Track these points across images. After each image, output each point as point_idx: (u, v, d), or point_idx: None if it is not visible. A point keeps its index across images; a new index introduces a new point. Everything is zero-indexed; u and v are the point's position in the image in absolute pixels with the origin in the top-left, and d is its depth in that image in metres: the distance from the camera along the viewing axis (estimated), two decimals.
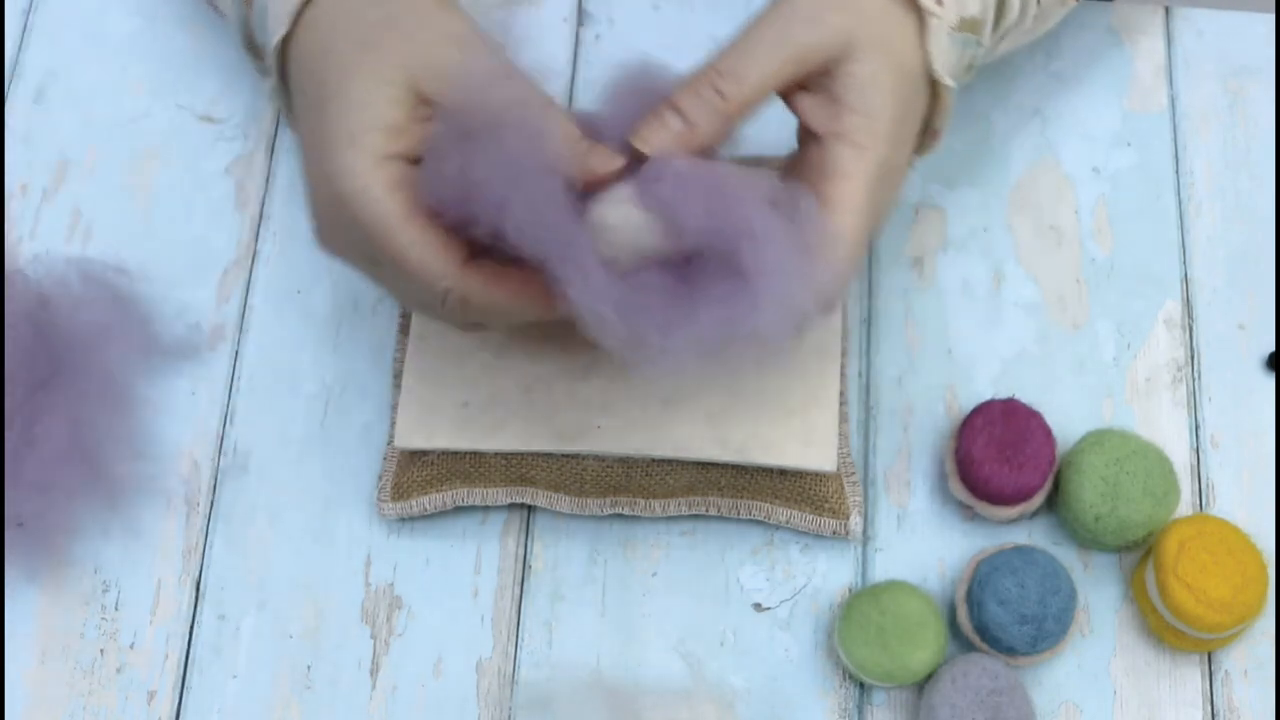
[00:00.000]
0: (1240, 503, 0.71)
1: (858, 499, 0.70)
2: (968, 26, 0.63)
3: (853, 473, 0.70)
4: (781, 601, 0.69)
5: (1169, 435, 0.72)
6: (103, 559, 0.71)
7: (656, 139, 0.57)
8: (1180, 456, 0.72)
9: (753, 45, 0.59)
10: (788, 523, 0.69)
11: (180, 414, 0.73)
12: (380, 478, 0.71)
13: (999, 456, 0.67)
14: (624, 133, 0.58)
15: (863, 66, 0.59)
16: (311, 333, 0.75)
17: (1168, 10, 0.82)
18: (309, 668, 0.69)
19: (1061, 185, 0.78)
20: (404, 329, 0.73)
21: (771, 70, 0.58)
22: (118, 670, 0.69)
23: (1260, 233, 0.77)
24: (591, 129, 0.59)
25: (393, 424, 0.71)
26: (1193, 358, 0.74)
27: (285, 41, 0.62)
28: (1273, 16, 0.81)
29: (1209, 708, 0.68)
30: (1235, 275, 0.76)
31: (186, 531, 0.71)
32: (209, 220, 0.78)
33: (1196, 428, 0.73)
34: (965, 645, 0.68)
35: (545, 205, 0.56)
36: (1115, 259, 0.76)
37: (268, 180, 0.79)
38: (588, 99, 0.80)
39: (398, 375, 0.72)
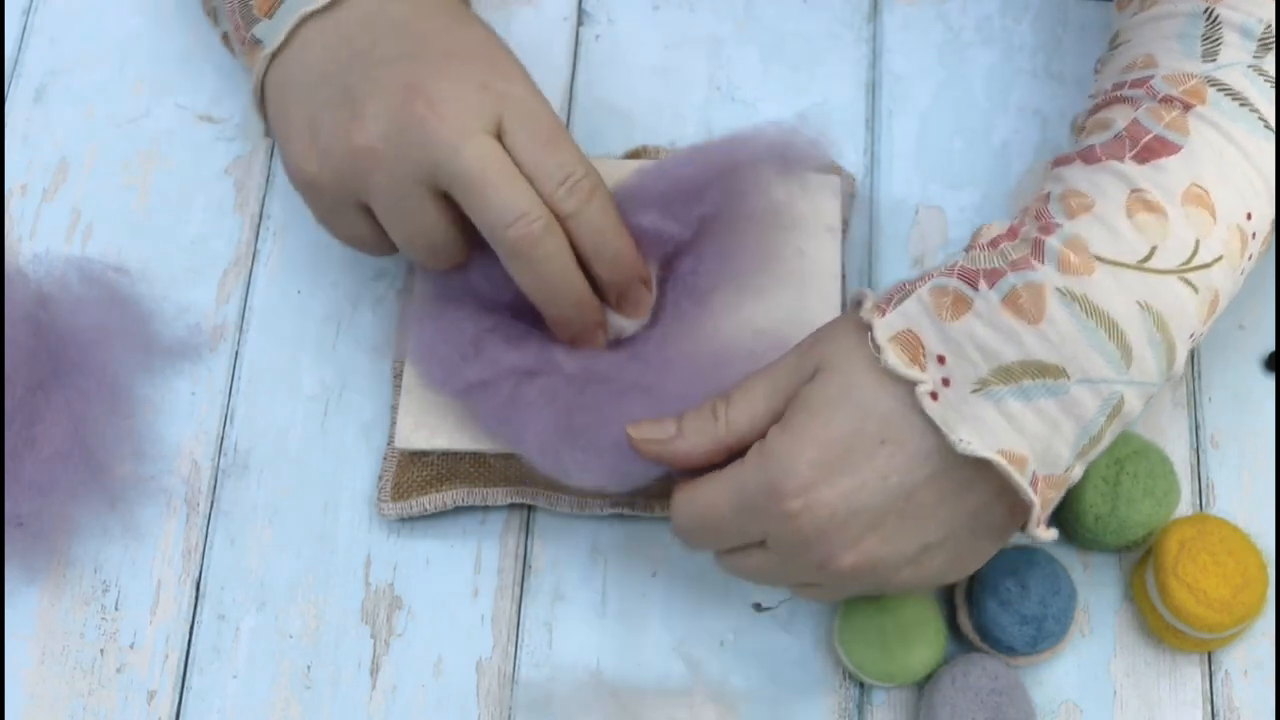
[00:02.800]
0: (1240, 503, 0.71)
1: None
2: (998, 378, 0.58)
3: None
4: (781, 602, 0.69)
5: (1169, 435, 0.72)
6: (103, 559, 0.70)
7: (644, 437, 0.62)
8: (1180, 456, 0.72)
9: (753, 385, 0.61)
10: None
11: (180, 414, 0.73)
12: (380, 478, 0.71)
13: None
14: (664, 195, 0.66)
15: (811, 385, 0.60)
16: (311, 333, 0.75)
17: None
18: (309, 668, 0.69)
19: None
20: (404, 329, 0.73)
21: (761, 408, 0.60)
22: (118, 670, 0.69)
23: None
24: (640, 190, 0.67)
25: (393, 424, 0.71)
26: (1193, 358, 0.74)
27: None
28: None
29: (1209, 708, 0.68)
30: None
31: (186, 531, 0.71)
32: (209, 220, 0.78)
33: (1196, 428, 0.73)
34: (965, 645, 0.68)
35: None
36: None
37: (268, 180, 0.79)
38: (588, 99, 0.80)
39: (398, 375, 0.72)
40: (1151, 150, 0.59)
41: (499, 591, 0.70)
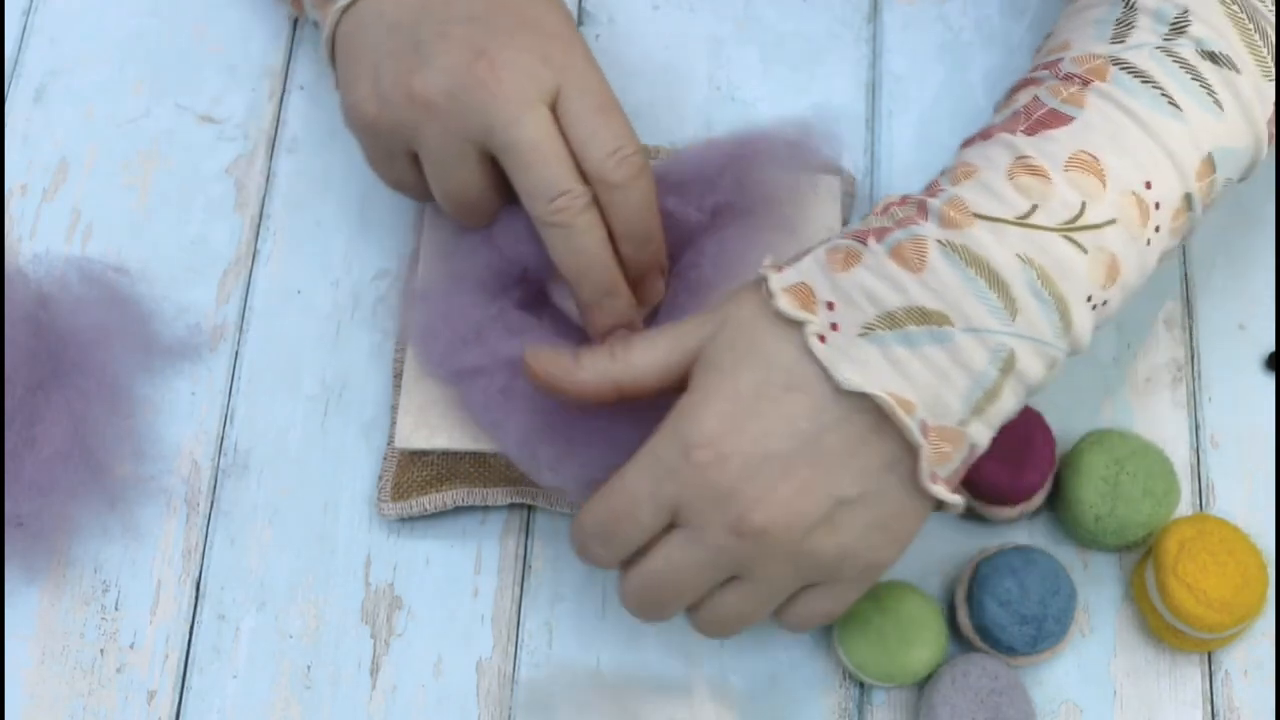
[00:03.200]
0: (1240, 503, 0.71)
1: None
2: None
3: None
4: None
5: (1169, 435, 0.72)
6: (103, 559, 0.71)
7: (542, 367, 0.62)
8: (1180, 456, 0.72)
9: (657, 336, 0.62)
10: None
11: (180, 414, 0.73)
12: (380, 478, 0.71)
13: (999, 456, 0.67)
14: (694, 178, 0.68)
15: (714, 342, 0.60)
16: (311, 333, 0.75)
17: None
18: (309, 668, 0.69)
19: None
20: (407, 312, 0.73)
21: (661, 357, 0.61)
22: (118, 670, 0.69)
23: (1260, 233, 0.77)
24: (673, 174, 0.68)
25: (393, 424, 0.71)
26: (1193, 358, 0.74)
27: None
28: None
29: (1209, 708, 0.68)
30: (1235, 275, 0.76)
31: (186, 531, 0.71)
32: (209, 220, 0.78)
33: (1196, 428, 0.73)
34: (965, 645, 0.68)
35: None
36: None
37: (268, 180, 0.79)
38: None
39: (398, 375, 0.72)
40: (1043, 123, 0.61)
41: (499, 591, 0.70)
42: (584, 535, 0.61)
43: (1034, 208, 0.59)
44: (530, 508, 0.72)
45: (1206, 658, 0.69)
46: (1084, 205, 0.59)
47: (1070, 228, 0.59)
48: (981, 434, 0.59)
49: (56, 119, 0.80)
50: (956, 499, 0.59)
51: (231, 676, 0.69)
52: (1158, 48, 0.62)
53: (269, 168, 0.79)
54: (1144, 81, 0.61)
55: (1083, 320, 0.59)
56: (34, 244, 0.77)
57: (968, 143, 0.63)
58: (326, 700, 0.68)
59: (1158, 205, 0.60)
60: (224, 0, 0.83)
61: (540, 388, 0.63)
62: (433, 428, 0.68)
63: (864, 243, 0.60)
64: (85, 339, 0.71)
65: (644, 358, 0.61)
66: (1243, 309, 0.75)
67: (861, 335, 0.58)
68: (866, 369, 0.58)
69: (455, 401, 0.68)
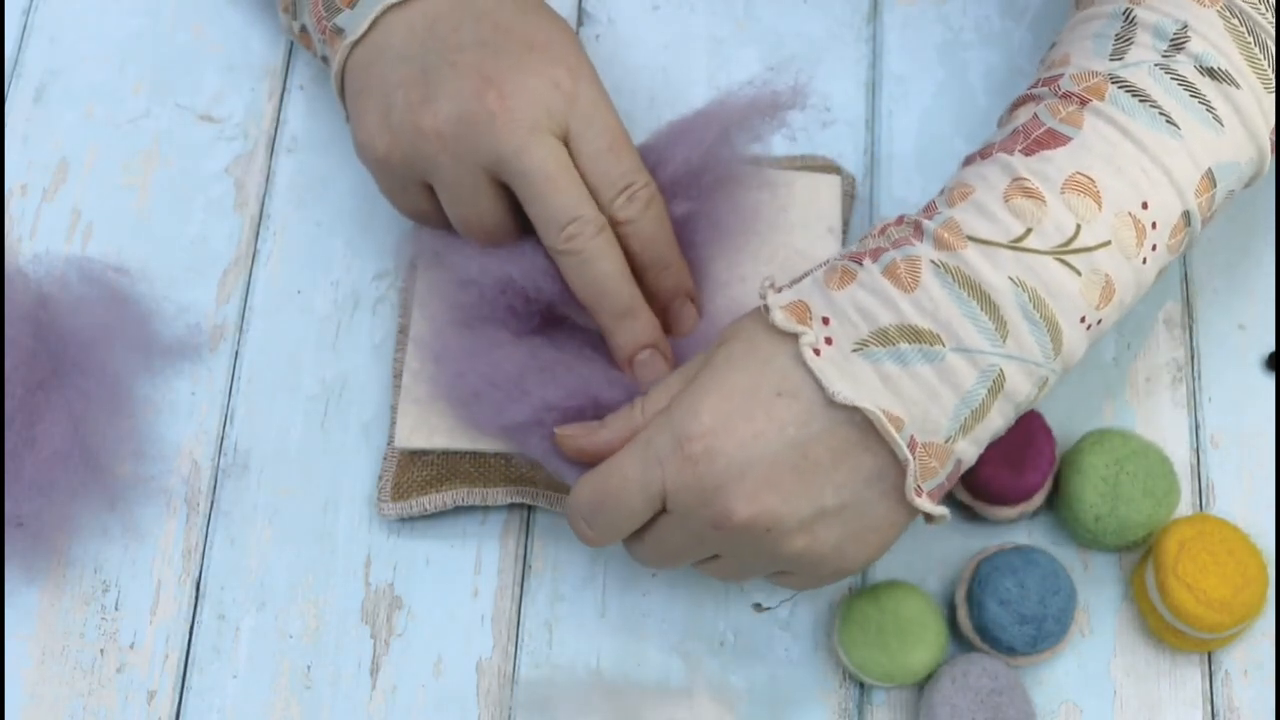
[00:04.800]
0: (1240, 503, 0.71)
1: None
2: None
3: None
4: (781, 601, 0.69)
5: (1169, 435, 0.72)
6: (103, 559, 0.70)
7: (574, 445, 0.64)
8: (1180, 456, 0.72)
9: (671, 377, 0.63)
10: None
11: (180, 414, 0.73)
12: (380, 478, 0.71)
13: (999, 457, 0.67)
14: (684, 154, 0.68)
15: (714, 351, 0.62)
16: (311, 333, 0.75)
17: None
18: (309, 668, 0.69)
19: None
20: (404, 329, 0.73)
21: (678, 390, 0.62)
22: (118, 670, 0.69)
23: (1260, 233, 0.77)
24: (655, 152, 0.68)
25: (393, 424, 0.71)
26: (1193, 358, 0.74)
27: None
28: None
29: (1209, 708, 0.68)
30: (1235, 275, 0.76)
31: (186, 531, 0.71)
32: (209, 220, 0.78)
33: (1196, 428, 0.73)
34: (965, 645, 0.68)
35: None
36: None
37: (268, 180, 0.79)
38: None
39: (398, 375, 0.72)
40: (1040, 143, 0.61)
41: (499, 591, 0.70)
42: (575, 513, 0.63)
43: (1028, 231, 0.59)
44: (530, 508, 0.72)
45: (1206, 658, 0.69)
46: (1079, 228, 0.59)
47: (1064, 250, 0.59)
48: (968, 451, 0.60)
49: (56, 119, 0.80)
50: (942, 510, 0.60)
51: (231, 676, 0.69)
52: (1156, 65, 0.62)
53: (269, 168, 0.79)
54: (1142, 100, 0.61)
55: (1074, 341, 0.60)
56: (34, 244, 0.77)
57: (968, 161, 0.63)
58: (326, 700, 0.68)
59: (1154, 225, 0.61)
60: (224, 0, 0.83)
61: (577, 460, 0.64)
62: (433, 428, 0.68)
63: (859, 263, 0.61)
64: (85, 339, 0.71)
65: (661, 398, 0.62)
66: (1243, 309, 0.75)
67: (855, 350, 0.59)
68: (858, 383, 0.59)
69: (463, 412, 0.68)
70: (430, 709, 0.68)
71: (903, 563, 0.70)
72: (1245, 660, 0.69)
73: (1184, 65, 0.62)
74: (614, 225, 0.65)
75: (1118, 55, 0.63)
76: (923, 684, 0.68)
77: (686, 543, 0.62)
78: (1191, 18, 0.62)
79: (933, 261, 0.59)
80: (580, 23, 0.82)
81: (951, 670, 0.66)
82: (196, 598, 0.70)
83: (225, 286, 0.76)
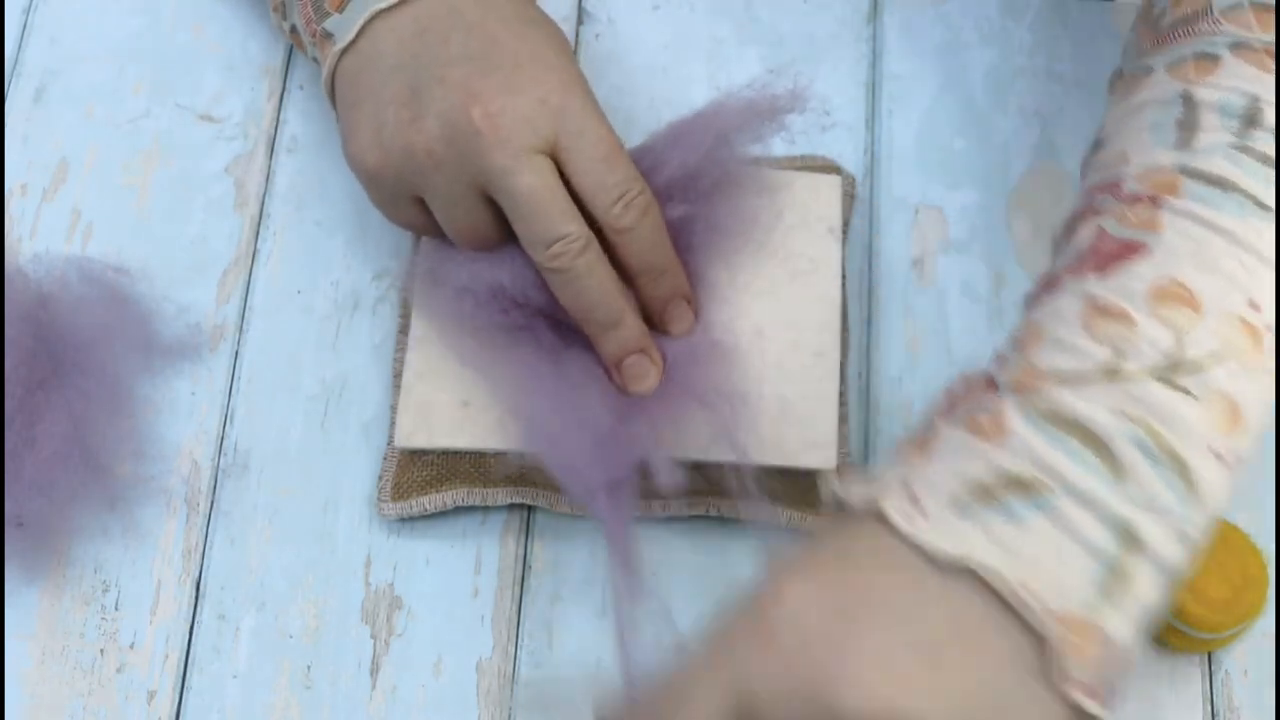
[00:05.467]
0: (1240, 503, 0.71)
1: None
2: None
3: None
4: None
5: None
6: (103, 559, 0.70)
7: None
8: None
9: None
10: (788, 523, 0.69)
11: (180, 414, 0.73)
12: (380, 478, 0.71)
13: None
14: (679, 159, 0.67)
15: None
16: (311, 333, 0.75)
17: None
18: (309, 668, 0.69)
19: (1061, 185, 0.78)
20: (404, 329, 0.73)
21: None
22: (118, 670, 0.69)
23: None
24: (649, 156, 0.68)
25: (393, 424, 0.71)
26: None
27: None
28: None
29: (1209, 708, 0.68)
30: None
31: (186, 531, 0.71)
32: (209, 220, 0.78)
33: None
34: None
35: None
36: None
37: (268, 180, 0.79)
38: None
39: (398, 375, 0.72)
40: (1115, 257, 0.53)
41: (499, 591, 0.70)
42: None
43: (1118, 354, 0.50)
44: (530, 508, 0.72)
45: (1206, 658, 0.69)
46: (1179, 341, 0.51)
47: (1166, 370, 0.50)
48: (1122, 631, 0.49)
49: (56, 119, 0.80)
50: (1105, 714, 0.49)
51: (231, 676, 0.69)
52: (1231, 145, 0.54)
53: (269, 167, 0.79)
54: (1223, 190, 0.53)
55: (1213, 480, 0.50)
56: (34, 244, 0.77)
57: (1031, 299, 0.56)
58: (326, 700, 0.68)
59: (1270, 327, 0.52)
60: (223, 0, 0.83)
61: None
62: (432, 428, 0.68)
63: (932, 429, 0.53)
64: (85, 339, 0.71)
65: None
66: None
67: (949, 510, 0.49)
68: (962, 540, 0.49)
69: (463, 412, 0.68)
70: (430, 709, 0.68)
71: None
72: (1245, 660, 0.69)
73: (1263, 141, 0.54)
74: (610, 233, 0.65)
75: (1184, 144, 0.55)
76: None
77: None
78: (1261, 89, 0.55)
79: (1016, 405, 0.51)
80: (580, 22, 0.82)
81: None
82: (196, 598, 0.70)
83: (225, 286, 0.76)
